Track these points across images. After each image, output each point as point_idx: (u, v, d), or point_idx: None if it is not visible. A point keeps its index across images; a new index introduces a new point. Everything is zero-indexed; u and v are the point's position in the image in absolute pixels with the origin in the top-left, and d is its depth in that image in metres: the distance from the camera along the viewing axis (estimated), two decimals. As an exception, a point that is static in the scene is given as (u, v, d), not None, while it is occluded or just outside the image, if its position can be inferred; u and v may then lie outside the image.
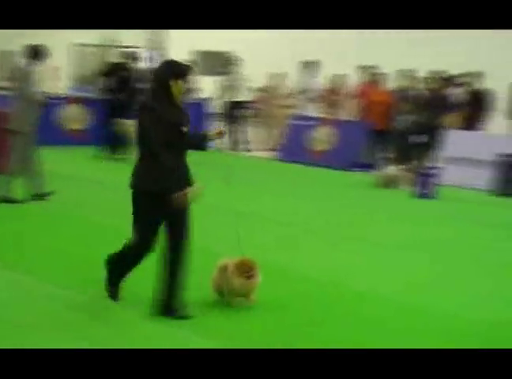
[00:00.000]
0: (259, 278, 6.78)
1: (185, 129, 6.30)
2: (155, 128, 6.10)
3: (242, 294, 6.81)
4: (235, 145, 20.14)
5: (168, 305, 6.43)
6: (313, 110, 19.84)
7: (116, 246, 6.77)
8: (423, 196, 14.43)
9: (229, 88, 20.13)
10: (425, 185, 14.55)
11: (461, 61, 18.65)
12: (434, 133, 16.72)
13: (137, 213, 6.35)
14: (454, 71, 17.39)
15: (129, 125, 16.52)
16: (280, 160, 18.85)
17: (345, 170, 17.51)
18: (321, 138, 18.58)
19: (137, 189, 6.31)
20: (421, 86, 17.60)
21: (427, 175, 14.67)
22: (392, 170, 16.01)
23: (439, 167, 15.27)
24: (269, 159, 19.15)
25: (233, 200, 10.09)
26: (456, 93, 17.22)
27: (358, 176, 16.88)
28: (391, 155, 17.81)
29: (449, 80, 17.29)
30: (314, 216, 11.96)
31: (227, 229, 7.49)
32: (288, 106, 20.12)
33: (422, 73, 17.66)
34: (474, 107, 16.93)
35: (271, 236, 10.15)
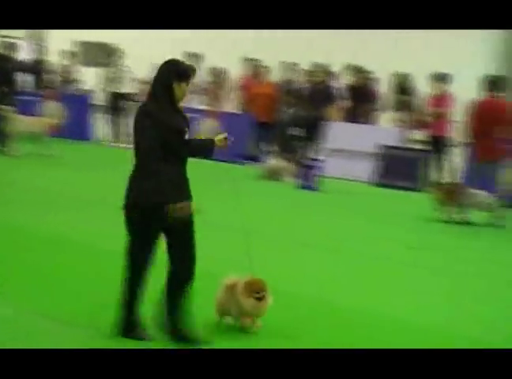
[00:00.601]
0: (270, 300, 6.23)
1: (187, 135, 5.80)
2: (149, 134, 5.57)
3: (250, 316, 6.23)
4: (117, 137, 20.02)
5: (173, 330, 5.85)
6: (197, 103, 19.83)
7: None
8: (306, 187, 14.64)
9: (112, 79, 19.91)
10: (307, 177, 14.78)
11: (344, 55, 18.98)
12: (316, 125, 16.97)
13: (131, 231, 5.77)
14: (336, 65, 17.70)
15: (10, 112, 16.19)
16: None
17: (231, 163, 17.58)
18: (206, 131, 18.60)
19: (129, 203, 5.72)
20: (304, 79, 17.84)
21: (310, 167, 14.90)
22: (275, 162, 16.20)
23: (321, 159, 15.53)
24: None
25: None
26: (338, 86, 17.54)
27: (244, 168, 16.99)
28: (274, 148, 18.00)
29: (331, 74, 17.59)
30: (221, 213, 11.30)
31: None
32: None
33: (305, 66, 17.89)
34: (356, 100, 17.28)
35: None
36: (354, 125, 17.09)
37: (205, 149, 6.06)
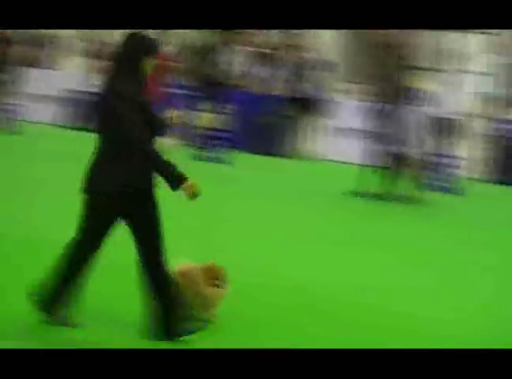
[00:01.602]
0: (228, 286, 5.71)
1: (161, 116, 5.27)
2: (135, 120, 4.94)
3: (208, 305, 5.64)
4: None
5: (166, 329, 5.13)
6: None
7: None
8: (7, 131, 15.11)
9: None
10: (8, 121, 15.27)
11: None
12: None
13: (87, 220, 5.04)
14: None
15: None
16: None
17: None
18: None
19: (94, 190, 5.01)
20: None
21: (8, 111, 15.38)
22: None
23: (19, 104, 15.98)
24: None
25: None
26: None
27: None
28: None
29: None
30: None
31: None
32: None
33: None
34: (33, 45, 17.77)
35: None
36: (41, 70, 17.63)
37: (168, 175, 4.95)
